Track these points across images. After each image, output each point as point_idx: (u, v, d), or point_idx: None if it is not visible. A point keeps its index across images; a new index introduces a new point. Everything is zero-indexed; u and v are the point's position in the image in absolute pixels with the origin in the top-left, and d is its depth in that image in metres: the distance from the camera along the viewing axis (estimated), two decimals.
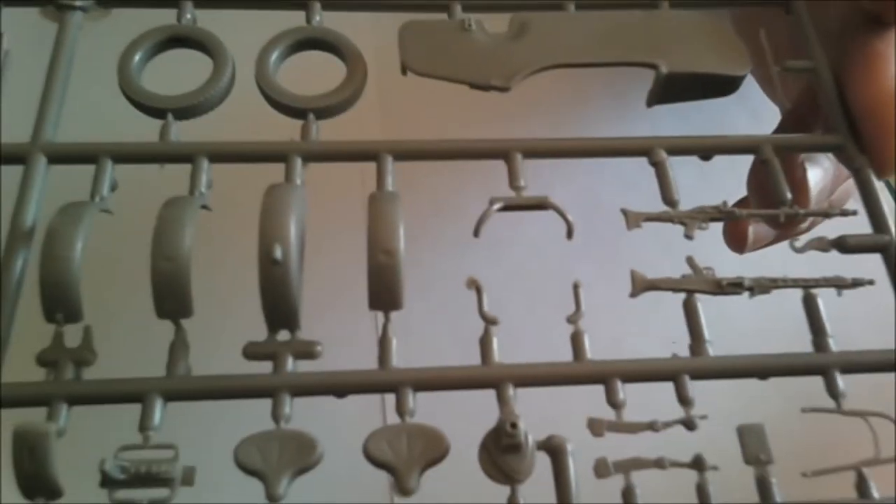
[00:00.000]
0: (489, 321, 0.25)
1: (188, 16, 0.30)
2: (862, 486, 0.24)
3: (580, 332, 0.25)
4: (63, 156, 0.26)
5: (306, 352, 0.24)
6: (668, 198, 0.27)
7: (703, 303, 0.25)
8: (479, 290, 0.25)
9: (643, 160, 0.28)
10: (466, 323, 0.25)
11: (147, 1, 0.31)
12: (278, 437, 0.23)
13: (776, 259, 0.31)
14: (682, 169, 0.28)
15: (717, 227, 0.29)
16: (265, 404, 0.23)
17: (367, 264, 0.24)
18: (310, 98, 0.28)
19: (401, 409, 0.23)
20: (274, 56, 0.29)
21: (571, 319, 0.25)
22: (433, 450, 0.23)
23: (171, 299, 0.23)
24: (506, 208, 0.26)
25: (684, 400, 0.24)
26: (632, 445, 0.24)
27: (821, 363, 0.25)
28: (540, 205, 0.27)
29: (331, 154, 0.28)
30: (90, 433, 0.25)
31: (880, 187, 0.27)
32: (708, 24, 0.30)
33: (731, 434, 0.24)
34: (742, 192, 0.33)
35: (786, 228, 0.32)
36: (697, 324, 0.25)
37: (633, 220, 0.27)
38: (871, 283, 0.26)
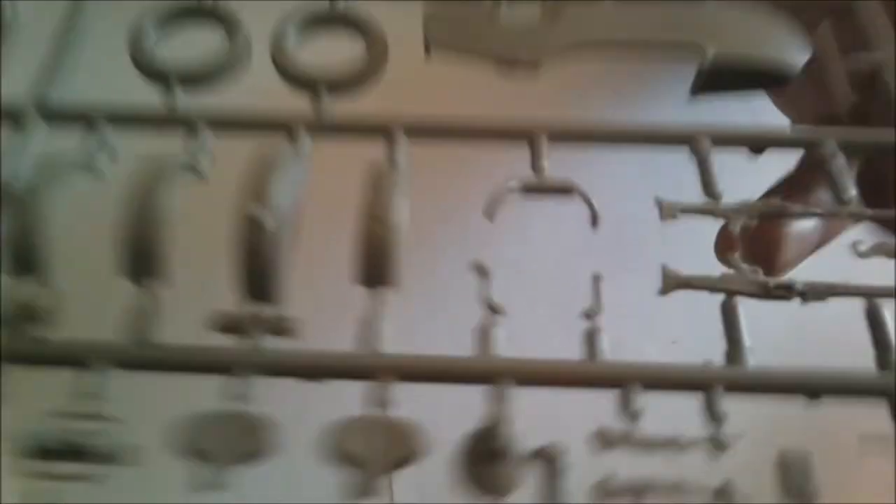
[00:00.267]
0: (494, 309, 0.22)
1: None
2: None
3: (597, 328, 0.22)
4: (58, 114, 0.25)
5: (280, 327, 0.22)
6: (710, 190, 0.24)
7: (704, 297, 0.22)
8: (484, 275, 0.22)
9: (644, 159, 0.25)
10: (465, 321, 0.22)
11: None
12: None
13: None
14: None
15: (715, 228, 0.26)
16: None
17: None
18: (322, 69, 0.26)
19: (380, 399, 0.20)
20: (291, 28, 0.27)
21: (589, 312, 0.22)
22: (406, 448, 0.20)
23: (138, 259, 0.21)
24: (526, 189, 0.24)
25: (716, 415, 0.20)
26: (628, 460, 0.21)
27: (884, 384, 0.21)
28: (564, 188, 0.24)
29: (339, 126, 0.25)
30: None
31: None
32: (761, 11, 0.27)
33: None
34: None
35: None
36: (737, 329, 0.22)
37: (667, 211, 0.23)
38: None
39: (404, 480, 0.20)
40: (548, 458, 0.20)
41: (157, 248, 0.21)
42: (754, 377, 0.21)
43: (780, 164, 0.29)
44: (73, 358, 0.20)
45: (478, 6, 0.27)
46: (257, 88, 0.26)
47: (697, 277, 0.22)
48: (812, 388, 0.21)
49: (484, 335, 0.22)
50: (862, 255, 0.23)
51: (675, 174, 0.25)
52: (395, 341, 0.22)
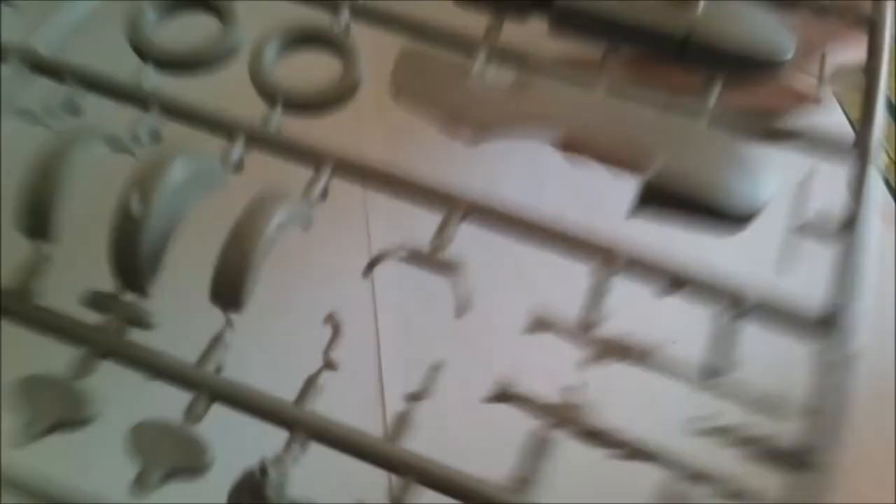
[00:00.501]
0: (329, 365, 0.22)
1: None
2: None
3: None
4: (35, 64, 0.27)
5: (137, 319, 0.23)
6: None
7: None
8: (336, 330, 0.23)
9: None
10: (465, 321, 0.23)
11: None
12: None
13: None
14: None
15: None
16: None
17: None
18: (285, 85, 0.27)
19: (194, 412, 0.21)
20: (275, 38, 0.28)
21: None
22: (187, 460, 0.20)
23: (32, 215, 0.23)
24: (411, 257, 0.24)
25: None
26: None
27: None
28: (449, 267, 0.24)
29: (276, 143, 0.26)
30: None
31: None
32: (728, 143, 0.26)
33: None
34: None
35: None
36: None
37: None
38: None
39: None
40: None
41: (49, 208, 0.23)
42: None
43: None
44: None
45: (452, 61, 0.28)
46: None
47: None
48: None
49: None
50: None
51: None
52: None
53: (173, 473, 0.21)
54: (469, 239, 0.24)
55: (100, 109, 0.27)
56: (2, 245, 0.26)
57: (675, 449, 0.21)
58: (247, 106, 0.27)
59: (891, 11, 0.30)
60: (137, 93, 0.27)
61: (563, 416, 0.22)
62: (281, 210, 0.22)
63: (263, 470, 0.19)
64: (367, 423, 0.22)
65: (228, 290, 0.22)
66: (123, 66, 0.27)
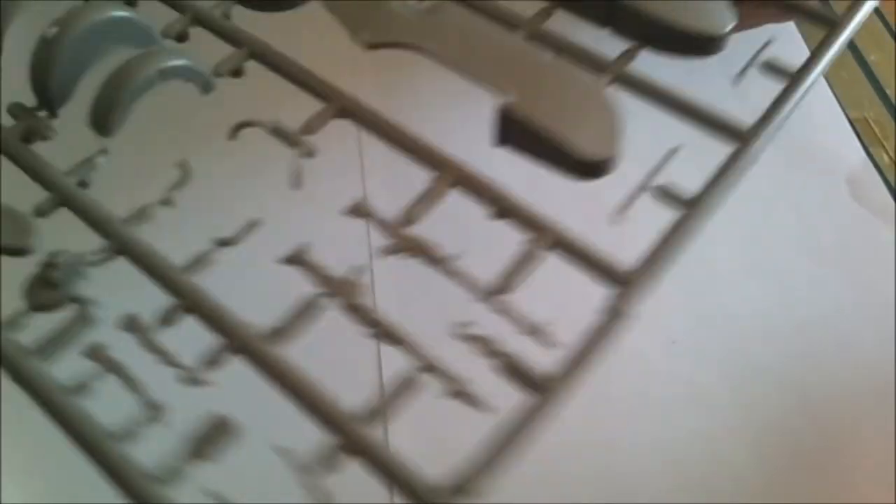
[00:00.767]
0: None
1: None
2: None
3: None
4: None
5: (39, 130, 0.27)
6: None
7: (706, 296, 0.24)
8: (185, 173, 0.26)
9: (643, 159, 0.25)
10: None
11: None
12: None
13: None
14: None
15: (712, 223, 0.26)
16: None
17: None
18: None
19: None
20: None
21: None
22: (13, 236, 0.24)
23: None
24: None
25: None
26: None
27: None
28: None
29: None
30: None
31: None
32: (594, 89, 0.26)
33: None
34: None
35: None
36: None
37: None
38: None
39: None
40: None
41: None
42: None
43: None
44: None
45: None
46: None
47: None
48: None
49: None
50: None
51: (674, 174, 0.26)
52: None
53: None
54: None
55: None
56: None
57: (419, 338, 0.22)
58: None
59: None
60: None
61: (338, 289, 0.23)
62: (160, 61, 0.26)
63: (51, 263, 0.23)
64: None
65: (101, 118, 0.26)
66: None
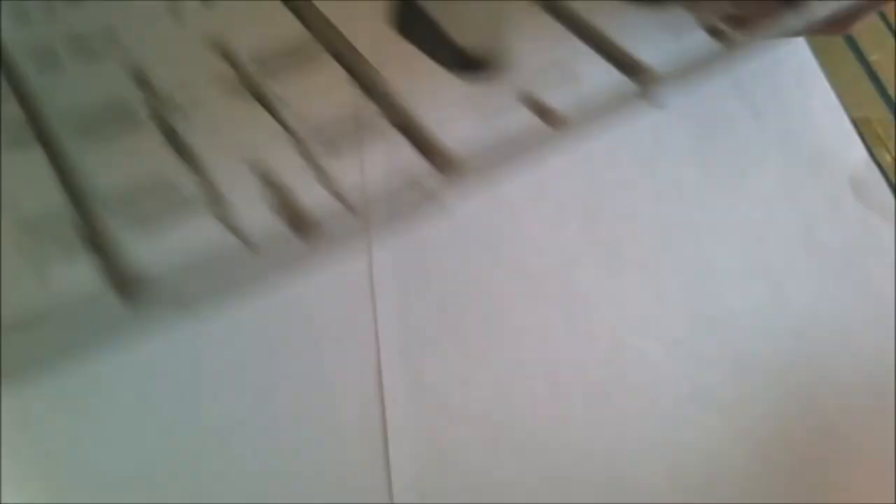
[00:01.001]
0: None
1: None
2: None
3: None
4: None
5: None
6: None
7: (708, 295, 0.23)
8: None
9: (644, 159, 0.25)
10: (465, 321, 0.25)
11: None
12: None
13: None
14: None
15: (713, 223, 0.26)
16: None
17: None
18: None
19: None
20: None
21: None
22: None
23: None
24: None
25: None
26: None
27: None
28: None
29: None
30: None
31: None
32: None
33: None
34: None
35: None
36: None
37: None
38: None
39: None
40: None
41: None
42: None
43: None
44: None
45: None
46: None
47: None
48: None
49: None
50: None
51: (675, 173, 0.26)
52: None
53: None
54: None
55: None
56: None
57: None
58: None
59: None
60: None
61: None
62: None
63: None
64: (367, 421, 0.24)
65: None
66: None
